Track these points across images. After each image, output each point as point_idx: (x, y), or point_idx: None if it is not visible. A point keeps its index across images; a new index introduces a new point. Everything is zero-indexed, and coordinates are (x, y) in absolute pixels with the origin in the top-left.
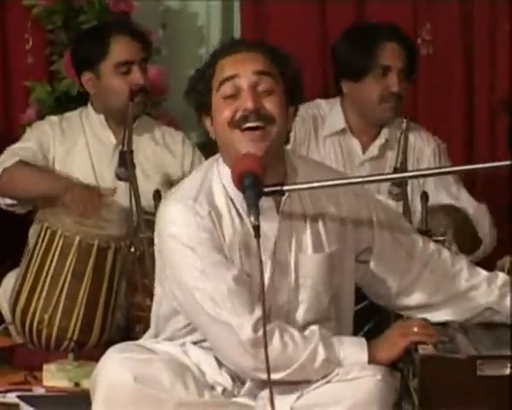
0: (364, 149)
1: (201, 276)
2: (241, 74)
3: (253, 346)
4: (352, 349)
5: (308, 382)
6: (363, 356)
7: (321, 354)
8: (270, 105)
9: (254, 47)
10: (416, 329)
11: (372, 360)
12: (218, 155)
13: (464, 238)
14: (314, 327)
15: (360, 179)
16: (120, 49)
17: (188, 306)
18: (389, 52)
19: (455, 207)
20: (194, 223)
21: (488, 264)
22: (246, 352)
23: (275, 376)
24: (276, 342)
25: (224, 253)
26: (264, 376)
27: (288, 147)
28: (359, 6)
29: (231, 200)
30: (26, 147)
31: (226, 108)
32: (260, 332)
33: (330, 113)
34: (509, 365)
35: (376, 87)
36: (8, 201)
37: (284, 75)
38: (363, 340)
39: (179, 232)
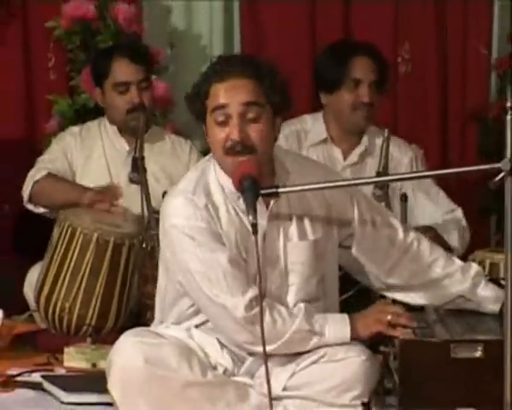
0: (345, 156)
1: (200, 261)
2: (231, 104)
3: (246, 323)
4: (336, 324)
5: (300, 358)
6: (346, 331)
7: (305, 326)
8: (254, 134)
9: (244, 72)
10: (389, 317)
11: (352, 335)
12: (211, 155)
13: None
14: (301, 305)
15: (346, 182)
16: (119, 70)
17: (190, 289)
18: (360, 66)
19: (434, 230)
20: (193, 214)
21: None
22: (241, 329)
23: (267, 348)
24: (266, 319)
25: (221, 240)
26: (258, 349)
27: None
28: (346, 26)
29: (226, 194)
30: (52, 158)
31: (219, 132)
32: (252, 311)
33: (314, 125)
34: (479, 348)
35: (349, 98)
36: (41, 209)
37: (270, 96)
38: (346, 316)
39: (180, 223)
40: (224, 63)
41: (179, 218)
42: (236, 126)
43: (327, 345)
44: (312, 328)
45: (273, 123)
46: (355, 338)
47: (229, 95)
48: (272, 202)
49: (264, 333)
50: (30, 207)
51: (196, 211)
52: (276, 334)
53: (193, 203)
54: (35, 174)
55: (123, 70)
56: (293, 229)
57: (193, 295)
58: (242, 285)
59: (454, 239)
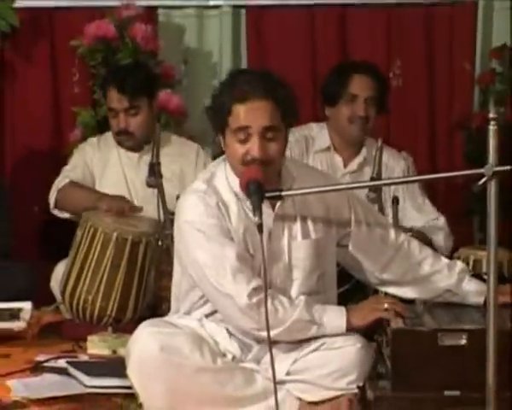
0: (345, 164)
1: (209, 255)
2: (253, 126)
3: (250, 310)
4: (333, 315)
5: (301, 346)
6: (342, 322)
7: (305, 316)
8: (272, 151)
9: (264, 95)
10: (386, 305)
11: (347, 325)
12: (222, 158)
13: None
14: (301, 296)
15: (344, 186)
16: (109, 97)
17: (199, 281)
18: (357, 83)
19: (424, 235)
20: (204, 211)
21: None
22: (245, 316)
23: (271, 334)
24: (268, 307)
25: (230, 236)
26: (262, 334)
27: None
28: (343, 45)
29: (236, 195)
30: (74, 167)
31: (239, 148)
32: (254, 299)
33: (319, 133)
34: (464, 337)
35: (346, 111)
36: (66, 215)
37: (286, 116)
38: (343, 308)
39: (192, 219)
40: (246, 84)
41: (191, 214)
42: (257, 145)
43: (324, 335)
44: (312, 318)
45: (286, 138)
46: (351, 328)
47: (251, 117)
48: (278, 205)
49: (268, 320)
50: (56, 212)
51: (207, 208)
52: (278, 321)
53: (204, 201)
54: (59, 183)
55: (112, 98)
56: (297, 229)
57: (201, 286)
58: (247, 277)
59: (439, 241)
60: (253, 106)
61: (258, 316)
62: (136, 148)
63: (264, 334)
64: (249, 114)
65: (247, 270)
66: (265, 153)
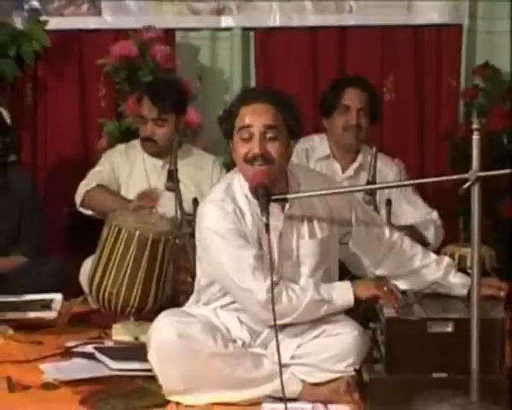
0: (343, 170)
1: (230, 256)
2: (255, 125)
3: (267, 303)
4: (341, 291)
5: (304, 333)
6: (350, 295)
7: (316, 296)
8: (272, 149)
9: (266, 100)
10: (385, 288)
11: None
12: (235, 169)
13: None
14: (310, 280)
15: (344, 189)
16: (143, 105)
17: (221, 279)
18: (350, 95)
19: (414, 228)
20: (223, 217)
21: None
22: (262, 308)
23: (287, 319)
24: (284, 298)
25: (247, 238)
26: (281, 321)
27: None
28: (341, 63)
29: (250, 201)
30: (101, 171)
31: (243, 146)
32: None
33: (320, 143)
34: (450, 324)
35: (340, 121)
36: (90, 212)
37: (287, 121)
38: (348, 283)
39: (212, 224)
40: (251, 92)
41: (212, 221)
42: (258, 143)
43: (335, 310)
44: (322, 297)
45: (288, 144)
46: (357, 299)
47: (254, 117)
48: (287, 207)
49: (283, 309)
50: (81, 210)
51: (225, 215)
52: (293, 308)
53: (222, 208)
54: (87, 184)
55: (144, 106)
56: (304, 229)
57: (224, 283)
58: (263, 274)
59: (430, 235)
60: (256, 107)
61: (278, 308)
62: (158, 154)
63: (280, 322)
64: (252, 114)
65: (263, 268)
66: (265, 150)
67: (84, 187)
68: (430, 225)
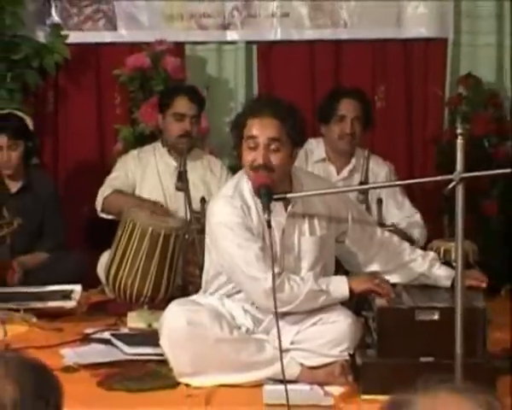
0: (338, 172)
1: (238, 247)
2: (260, 137)
3: (271, 291)
4: (337, 284)
5: (303, 320)
6: (345, 287)
7: (315, 287)
8: (274, 160)
9: (272, 114)
10: (377, 281)
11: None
12: (243, 170)
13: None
14: (309, 272)
15: (340, 189)
16: (180, 104)
17: (229, 268)
18: (345, 105)
19: (403, 231)
20: (231, 212)
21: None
22: (267, 296)
23: (289, 307)
24: (286, 287)
25: (253, 231)
26: (283, 309)
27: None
28: (337, 74)
29: (256, 199)
30: (116, 177)
31: (249, 154)
32: (277, 282)
33: (317, 147)
34: (436, 313)
35: (336, 129)
36: (111, 216)
37: (291, 134)
38: (344, 277)
39: (222, 219)
40: (260, 104)
41: (222, 215)
42: (262, 153)
43: (332, 301)
44: (320, 288)
45: (291, 152)
46: (352, 292)
47: (260, 129)
48: (289, 206)
49: (285, 297)
50: (103, 215)
51: (234, 210)
52: (294, 296)
53: (231, 204)
54: (104, 191)
55: (181, 104)
56: (305, 226)
57: (231, 272)
58: (268, 265)
59: (417, 234)
60: (262, 121)
61: (279, 296)
62: (185, 151)
63: (283, 309)
64: (259, 126)
65: (268, 259)
66: (268, 161)
67: (101, 194)
68: (415, 226)
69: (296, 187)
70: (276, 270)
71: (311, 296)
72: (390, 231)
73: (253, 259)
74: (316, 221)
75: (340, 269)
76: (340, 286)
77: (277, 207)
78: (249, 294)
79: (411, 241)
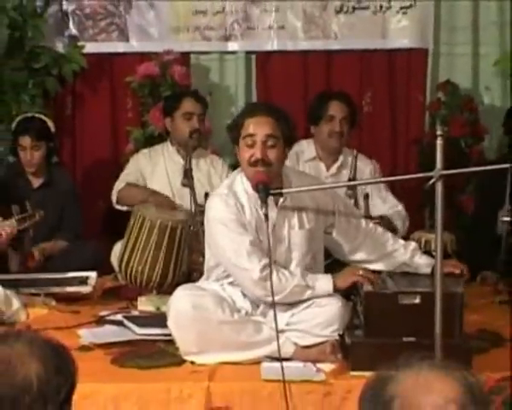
0: (328, 168)
1: (230, 240)
2: (258, 134)
3: (260, 281)
4: (323, 281)
5: (297, 304)
6: (330, 285)
7: (302, 282)
8: (271, 155)
9: (269, 112)
10: (361, 272)
11: (333, 287)
12: (238, 170)
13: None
14: (298, 269)
15: (329, 185)
16: (187, 104)
17: (223, 260)
18: (334, 107)
19: (385, 218)
20: (226, 208)
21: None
22: (257, 286)
23: (276, 298)
24: (274, 278)
25: (245, 227)
26: (269, 299)
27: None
28: (328, 80)
29: (249, 197)
30: (128, 173)
31: (247, 151)
32: (264, 273)
33: (308, 147)
34: (418, 297)
35: (325, 128)
36: (125, 208)
37: (284, 132)
38: (329, 275)
39: (217, 215)
40: (255, 106)
41: (217, 211)
42: (260, 149)
43: (316, 296)
44: (307, 284)
45: (284, 150)
46: (336, 289)
47: (257, 127)
48: (280, 202)
49: (273, 287)
50: (118, 207)
51: (228, 207)
52: (282, 288)
53: (226, 202)
54: (118, 185)
55: (190, 104)
56: (295, 220)
57: (225, 264)
58: (258, 257)
59: (399, 224)
60: (258, 119)
61: (267, 285)
62: (190, 151)
63: (269, 299)
64: (255, 124)
65: (258, 252)
66: (266, 155)
67: (116, 189)
68: (398, 216)
69: (286, 184)
70: (266, 261)
71: (297, 290)
72: (377, 222)
73: (244, 252)
74: (304, 215)
75: (327, 258)
76: (324, 283)
77: (269, 202)
78: (240, 283)
79: (395, 229)
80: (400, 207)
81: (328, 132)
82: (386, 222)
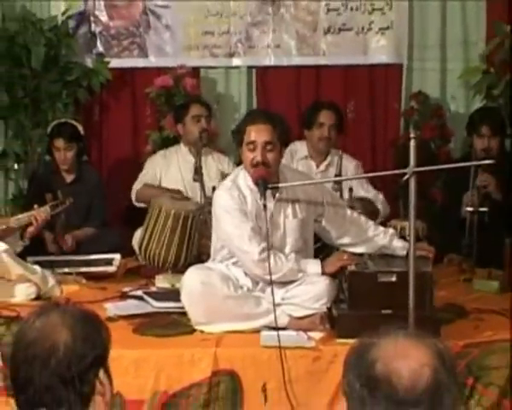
0: (317, 166)
1: (234, 227)
2: (258, 140)
3: (259, 262)
4: (313, 266)
5: (291, 282)
6: (319, 269)
7: (295, 266)
8: (270, 158)
9: (267, 120)
10: (345, 257)
11: (322, 271)
12: (241, 167)
13: (371, 213)
14: (292, 254)
15: (318, 180)
16: (195, 108)
17: (227, 243)
18: (324, 115)
19: (368, 199)
20: (230, 199)
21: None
22: (256, 266)
23: (273, 277)
24: (271, 260)
25: (247, 215)
26: (267, 277)
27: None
28: (318, 93)
29: (251, 190)
30: (145, 173)
31: (249, 154)
32: (263, 255)
33: (300, 148)
34: (394, 275)
35: (316, 133)
36: (143, 204)
37: (280, 136)
38: (318, 260)
39: (222, 204)
40: (256, 114)
41: (223, 201)
42: (260, 153)
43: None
44: (299, 267)
45: (280, 151)
46: (324, 273)
47: (257, 134)
48: (277, 195)
49: (270, 268)
50: (137, 204)
51: (232, 198)
52: (278, 269)
53: (230, 193)
54: (136, 186)
55: (197, 108)
56: (289, 211)
57: (229, 246)
58: (257, 241)
59: (381, 207)
60: (258, 127)
61: (265, 266)
62: (200, 150)
63: (267, 278)
64: (256, 132)
65: (258, 237)
66: (265, 158)
67: (134, 188)
68: (379, 202)
69: (282, 179)
70: (264, 245)
71: (291, 273)
72: (361, 202)
73: (245, 237)
74: (297, 206)
75: (319, 241)
76: (314, 268)
77: (267, 195)
78: (242, 263)
79: (377, 210)
80: (381, 196)
81: (319, 137)
82: (367, 203)
